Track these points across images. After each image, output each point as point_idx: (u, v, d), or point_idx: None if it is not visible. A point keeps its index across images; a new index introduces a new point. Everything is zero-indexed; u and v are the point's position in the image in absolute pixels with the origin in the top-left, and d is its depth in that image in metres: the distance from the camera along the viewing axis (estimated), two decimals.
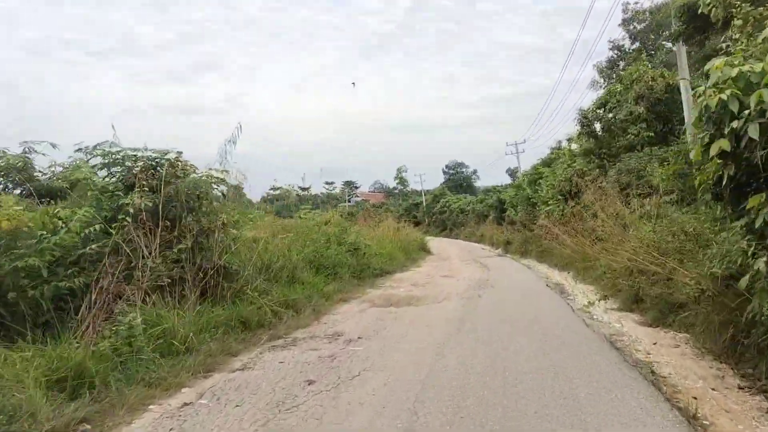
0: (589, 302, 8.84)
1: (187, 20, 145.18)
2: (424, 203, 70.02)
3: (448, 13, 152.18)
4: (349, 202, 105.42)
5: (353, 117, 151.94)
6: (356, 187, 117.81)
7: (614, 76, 31.61)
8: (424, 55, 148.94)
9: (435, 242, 46.59)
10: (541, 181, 23.73)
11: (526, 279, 14.98)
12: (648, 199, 11.37)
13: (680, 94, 16.05)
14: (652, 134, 15.95)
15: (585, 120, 18.56)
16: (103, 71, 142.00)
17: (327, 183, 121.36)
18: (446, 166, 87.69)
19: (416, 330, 7.61)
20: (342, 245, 14.80)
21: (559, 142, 27.38)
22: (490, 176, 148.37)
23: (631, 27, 31.99)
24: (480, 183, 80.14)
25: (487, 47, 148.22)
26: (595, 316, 8.10)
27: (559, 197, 18.33)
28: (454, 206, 55.81)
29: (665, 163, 13.57)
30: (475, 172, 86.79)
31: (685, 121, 14.16)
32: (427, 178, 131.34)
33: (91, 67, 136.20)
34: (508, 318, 8.23)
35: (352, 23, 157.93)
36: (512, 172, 55.13)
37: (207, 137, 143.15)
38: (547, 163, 25.50)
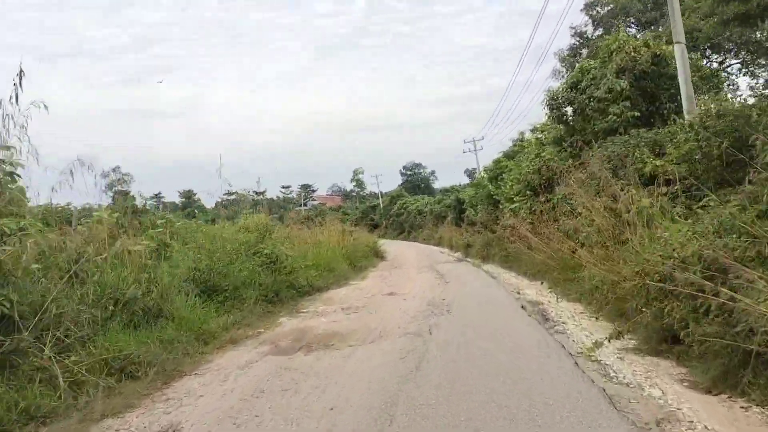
0: (595, 343, 5.72)
1: (141, 23, 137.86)
2: (381, 205, 66.96)
3: (404, 15, 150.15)
4: (305, 205, 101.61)
5: (312, 119, 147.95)
6: (313, 191, 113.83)
7: (577, 63, 29.32)
8: (382, 57, 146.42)
9: (392, 246, 43.54)
10: (504, 175, 20.88)
11: (493, 295, 11.90)
12: (652, 189, 8.48)
13: (668, 65, 13.37)
14: (638, 113, 13.18)
15: (554, 103, 15.68)
16: (53, 76, 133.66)
17: (283, 187, 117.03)
18: (404, 167, 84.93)
19: (312, 420, 4.31)
20: (258, 256, 11.39)
21: (522, 133, 24.65)
22: (449, 177, 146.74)
23: (594, 12, 29.73)
24: (438, 184, 77.81)
25: (444, 48, 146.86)
26: (614, 374, 4.97)
27: (528, 192, 15.41)
28: (412, 207, 52.91)
29: (659, 147, 10.79)
30: (433, 173, 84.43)
31: (682, 93, 11.41)
32: (385, 180, 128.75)
33: (40, 72, 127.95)
34: (475, 388, 4.97)
35: (308, 26, 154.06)
36: (471, 173, 52.65)
37: (166, 141, 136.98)
38: (510, 156, 22.69)
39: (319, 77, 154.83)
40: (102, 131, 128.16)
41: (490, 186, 21.86)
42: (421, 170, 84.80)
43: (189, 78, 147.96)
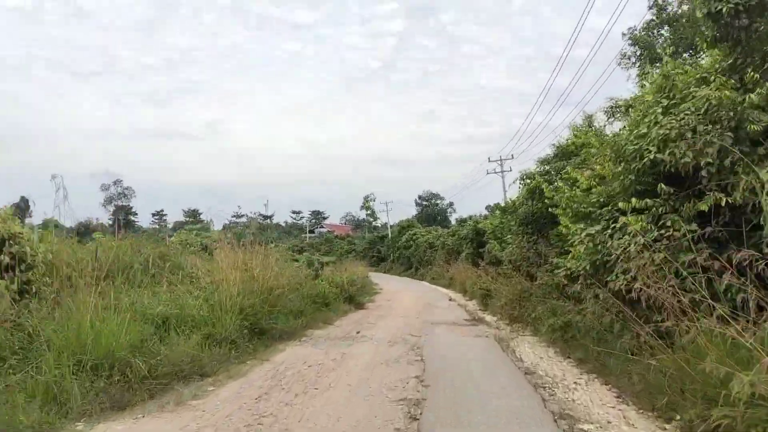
0: None
1: (172, 46, 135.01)
2: (390, 236, 57.84)
3: (432, 53, 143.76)
4: (312, 232, 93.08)
5: (332, 150, 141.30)
6: (324, 218, 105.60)
7: (660, 39, 20.36)
8: (406, 92, 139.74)
9: (391, 284, 34.20)
10: (559, 183, 11.71)
11: None
12: None
13: None
14: None
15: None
16: (86, 93, 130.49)
17: (294, 212, 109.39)
18: (419, 197, 76.03)
19: None
20: None
21: (589, 116, 15.39)
22: (469, 209, 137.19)
23: None
24: (457, 216, 68.43)
25: (468, 87, 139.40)
26: None
27: (659, 188, 6.13)
28: (422, 240, 43.68)
29: None
30: (451, 204, 75.21)
31: None
32: (399, 211, 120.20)
33: (72, 89, 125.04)
34: None
35: (338, 58, 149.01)
36: (493, 209, 43.12)
37: (187, 163, 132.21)
38: (566, 153, 13.54)
39: (343, 109, 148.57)
40: (128, 149, 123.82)
41: (544, 187, 12.45)
42: (439, 201, 75.81)
43: (213, 102, 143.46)
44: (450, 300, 22.40)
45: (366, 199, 73.14)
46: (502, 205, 21.95)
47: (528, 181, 13.81)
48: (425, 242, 42.62)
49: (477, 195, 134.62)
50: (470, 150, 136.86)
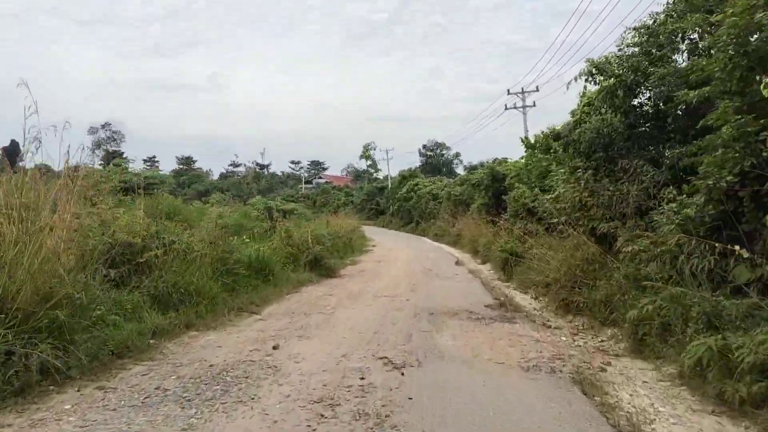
0: None
1: None
2: (390, 186, 52.21)
3: (439, 6, 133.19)
4: (309, 183, 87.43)
5: (336, 104, 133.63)
6: (323, 169, 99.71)
7: None
8: (412, 47, 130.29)
9: (385, 240, 28.88)
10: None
11: None
12: None
13: None
14: None
15: None
16: (87, 43, 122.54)
17: (293, 162, 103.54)
18: (423, 147, 69.74)
19: None
20: None
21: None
22: (480, 157, 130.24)
23: None
24: (466, 164, 62.32)
25: (475, 43, 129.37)
26: None
27: None
28: (424, 190, 38.03)
29: None
30: (457, 155, 69.04)
31: None
32: (403, 163, 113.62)
33: (74, 37, 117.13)
34: None
35: (342, 10, 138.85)
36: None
37: (189, 115, 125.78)
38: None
39: (346, 64, 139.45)
40: (129, 100, 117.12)
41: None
42: (444, 151, 69.56)
43: (215, 55, 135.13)
44: (457, 263, 17.00)
45: (366, 147, 67.02)
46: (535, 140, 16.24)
47: (600, 77, 8.05)
48: (428, 193, 36.99)
49: (487, 143, 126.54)
50: (477, 107, 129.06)
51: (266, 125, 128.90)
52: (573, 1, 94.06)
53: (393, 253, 20.48)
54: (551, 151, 14.37)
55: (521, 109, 26.84)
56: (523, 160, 18.11)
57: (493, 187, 19.00)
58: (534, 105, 26.81)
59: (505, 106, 27.54)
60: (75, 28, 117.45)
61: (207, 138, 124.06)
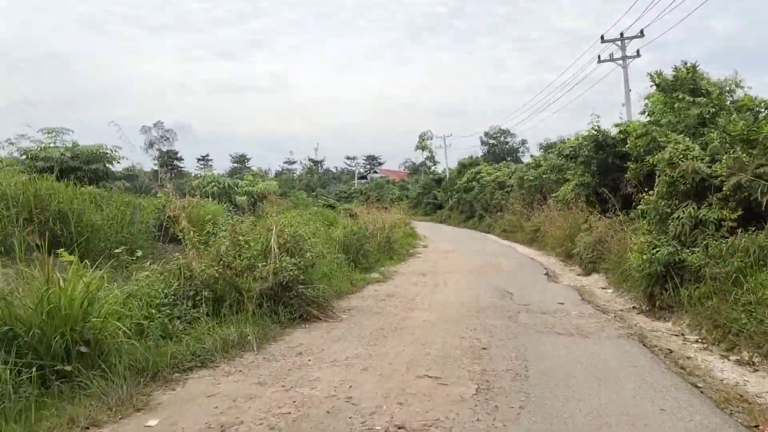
0: None
1: None
2: (448, 176, 45.67)
3: None
4: (364, 178, 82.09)
5: (398, 100, 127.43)
6: (380, 163, 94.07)
7: None
8: (474, 39, 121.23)
9: (443, 240, 22.57)
10: None
11: None
12: None
13: None
14: None
15: None
16: (157, 47, 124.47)
17: (348, 158, 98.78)
18: (485, 134, 62.33)
19: None
20: None
21: None
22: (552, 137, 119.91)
23: None
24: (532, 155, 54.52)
25: (539, 33, 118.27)
26: None
27: None
28: (488, 179, 31.34)
29: None
30: (524, 143, 61.23)
31: None
32: (464, 155, 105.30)
33: (145, 43, 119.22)
34: None
35: (403, 5, 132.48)
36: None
37: (256, 115, 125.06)
38: None
39: (407, 59, 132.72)
40: (195, 103, 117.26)
41: None
42: (509, 139, 61.88)
43: (278, 54, 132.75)
44: (548, 276, 10.57)
45: (422, 137, 60.63)
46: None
47: None
48: (492, 181, 30.27)
49: (559, 123, 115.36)
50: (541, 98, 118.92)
51: (327, 122, 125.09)
52: None
53: (447, 259, 14.23)
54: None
55: (620, 63, 19.62)
56: (647, 117, 11.36)
57: (598, 159, 12.32)
58: (638, 54, 19.52)
59: (598, 57, 20.38)
60: (147, 35, 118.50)
61: (268, 137, 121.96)
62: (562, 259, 13.97)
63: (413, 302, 7.71)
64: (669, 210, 7.10)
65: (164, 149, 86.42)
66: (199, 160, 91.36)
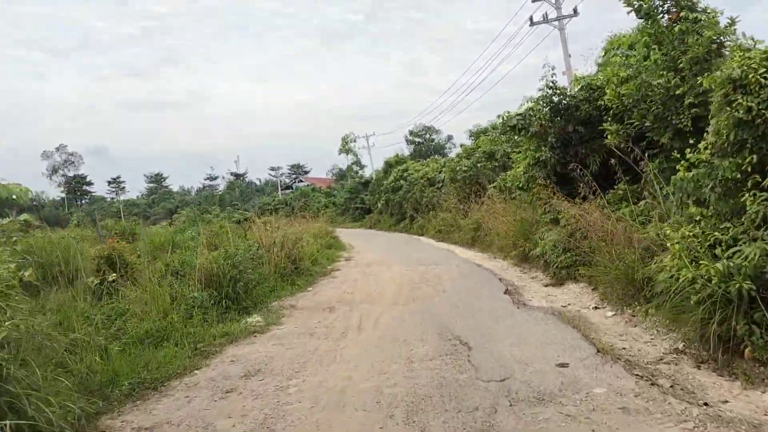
0: None
1: (147, 14, 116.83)
2: (374, 178, 42.23)
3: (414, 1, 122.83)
4: (289, 188, 77.23)
5: (317, 107, 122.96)
6: (305, 172, 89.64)
7: None
8: (390, 43, 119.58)
9: (370, 249, 18.85)
10: None
11: None
12: None
13: None
14: None
15: None
16: (62, 69, 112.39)
17: (272, 169, 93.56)
18: (410, 132, 59.71)
19: None
20: None
21: None
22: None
23: None
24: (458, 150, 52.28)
25: (454, 34, 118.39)
26: None
27: None
28: (415, 176, 28.13)
29: None
30: (450, 138, 59.21)
31: None
32: (390, 155, 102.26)
33: (48, 66, 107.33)
34: None
35: (317, 14, 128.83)
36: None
37: (174, 132, 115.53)
38: None
39: (325, 65, 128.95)
40: (110, 123, 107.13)
41: None
42: (435, 136, 59.57)
43: (193, 69, 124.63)
44: (510, 294, 7.12)
45: (345, 140, 57.00)
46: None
47: None
48: (421, 177, 27.06)
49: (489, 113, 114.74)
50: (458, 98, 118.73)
51: (249, 134, 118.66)
52: None
53: (371, 275, 10.51)
54: None
55: (555, 24, 16.86)
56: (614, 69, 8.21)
57: (556, 127, 9.10)
58: (576, 13, 16.70)
59: (530, 20, 17.46)
60: (51, 58, 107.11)
61: (189, 154, 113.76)
62: (516, 262, 10.71)
63: (288, 391, 3.93)
64: (740, 175, 3.78)
65: (70, 174, 77.47)
66: (110, 183, 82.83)
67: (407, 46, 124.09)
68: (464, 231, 17.10)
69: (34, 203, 63.68)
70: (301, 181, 78.88)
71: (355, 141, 56.44)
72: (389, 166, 37.42)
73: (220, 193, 77.90)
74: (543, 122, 9.28)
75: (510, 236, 11.48)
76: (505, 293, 7.57)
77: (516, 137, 9.86)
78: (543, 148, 9.21)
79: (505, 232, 12.23)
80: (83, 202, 77.59)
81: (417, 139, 59.64)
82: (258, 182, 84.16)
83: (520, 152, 10.46)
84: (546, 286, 8.43)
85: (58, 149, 75.91)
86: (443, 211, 20.74)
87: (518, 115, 9.54)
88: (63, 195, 77.84)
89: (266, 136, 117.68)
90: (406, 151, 58.49)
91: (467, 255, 14.00)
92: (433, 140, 59.77)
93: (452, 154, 52.79)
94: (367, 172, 55.17)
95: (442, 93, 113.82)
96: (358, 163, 60.61)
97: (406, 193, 28.31)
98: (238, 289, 7.34)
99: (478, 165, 18.52)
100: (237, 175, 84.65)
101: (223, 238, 12.38)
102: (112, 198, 79.60)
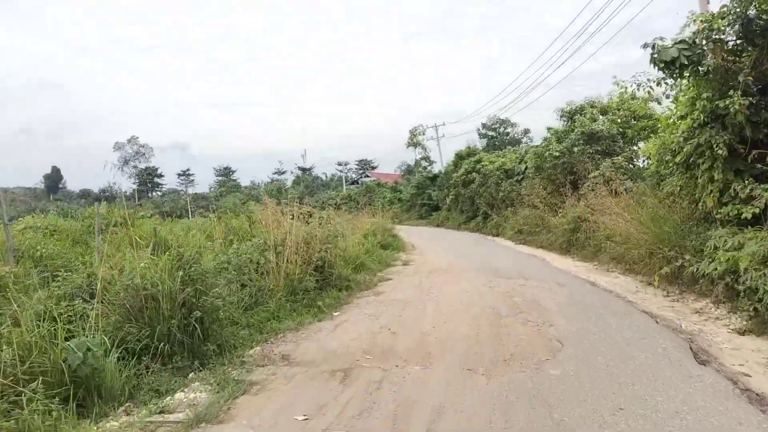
0: None
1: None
2: (443, 171, 38.41)
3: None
4: (355, 183, 74.89)
5: (395, 107, 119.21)
6: (372, 167, 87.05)
7: None
8: (465, 41, 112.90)
9: (435, 249, 15.17)
10: None
11: None
12: None
13: None
14: None
15: None
16: (154, 67, 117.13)
17: (339, 164, 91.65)
18: (483, 125, 55.10)
19: None
20: None
21: None
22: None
23: None
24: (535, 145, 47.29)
25: (532, 32, 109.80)
26: None
27: None
28: (490, 168, 24.12)
29: None
30: (526, 132, 54.06)
31: None
32: (461, 147, 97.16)
33: (136, 62, 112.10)
34: None
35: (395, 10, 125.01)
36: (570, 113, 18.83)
37: (246, 132, 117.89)
38: None
39: (409, 65, 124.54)
40: (195, 121, 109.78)
41: None
42: (509, 129, 54.59)
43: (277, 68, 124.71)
44: (693, 353, 3.22)
45: (413, 132, 53.54)
46: None
47: None
48: (497, 169, 23.06)
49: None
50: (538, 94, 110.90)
51: (324, 134, 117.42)
52: None
53: (432, 292, 6.98)
54: None
55: None
56: None
57: (753, 57, 5.13)
58: None
59: None
60: (139, 54, 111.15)
61: (265, 152, 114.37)
62: (649, 280, 6.83)
63: None
64: None
65: (141, 166, 79.59)
66: (179, 175, 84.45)
67: (483, 43, 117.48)
68: (556, 232, 13.14)
69: (107, 194, 65.29)
70: (368, 176, 76.27)
71: (423, 134, 52.80)
72: (460, 158, 33.39)
73: (286, 186, 76.97)
74: (727, 53, 5.37)
75: (642, 243, 7.55)
76: (699, 362, 3.82)
77: (673, 80, 5.94)
78: (731, 95, 5.27)
79: (627, 235, 8.29)
80: (153, 194, 79.28)
81: (490, 132, 54.97)
82: (324, 177, 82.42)
83: (671, 110, 6.51)
84: (743, 333, 4.59)
85: (129, 141, 77.85)
86: (525, 207, 16.76)
87: (680, 42, 5.64)
88: (134, 186, 79.94)
89: (340, 137, 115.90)
90: (479, 144, 54.15)
91: (564, 265, 10.15)
92: (507, 134, 54.88)
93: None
94: (436, 169, 51.53)
95: (516, 86, 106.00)
96: (427, 158, 57.00)
97: (479, 187, 24.40)
98: (192, 322, 4.12)
99: (574, 149, 14.42)
100: (303, 170, 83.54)
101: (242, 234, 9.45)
102: (181, 191, 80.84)
